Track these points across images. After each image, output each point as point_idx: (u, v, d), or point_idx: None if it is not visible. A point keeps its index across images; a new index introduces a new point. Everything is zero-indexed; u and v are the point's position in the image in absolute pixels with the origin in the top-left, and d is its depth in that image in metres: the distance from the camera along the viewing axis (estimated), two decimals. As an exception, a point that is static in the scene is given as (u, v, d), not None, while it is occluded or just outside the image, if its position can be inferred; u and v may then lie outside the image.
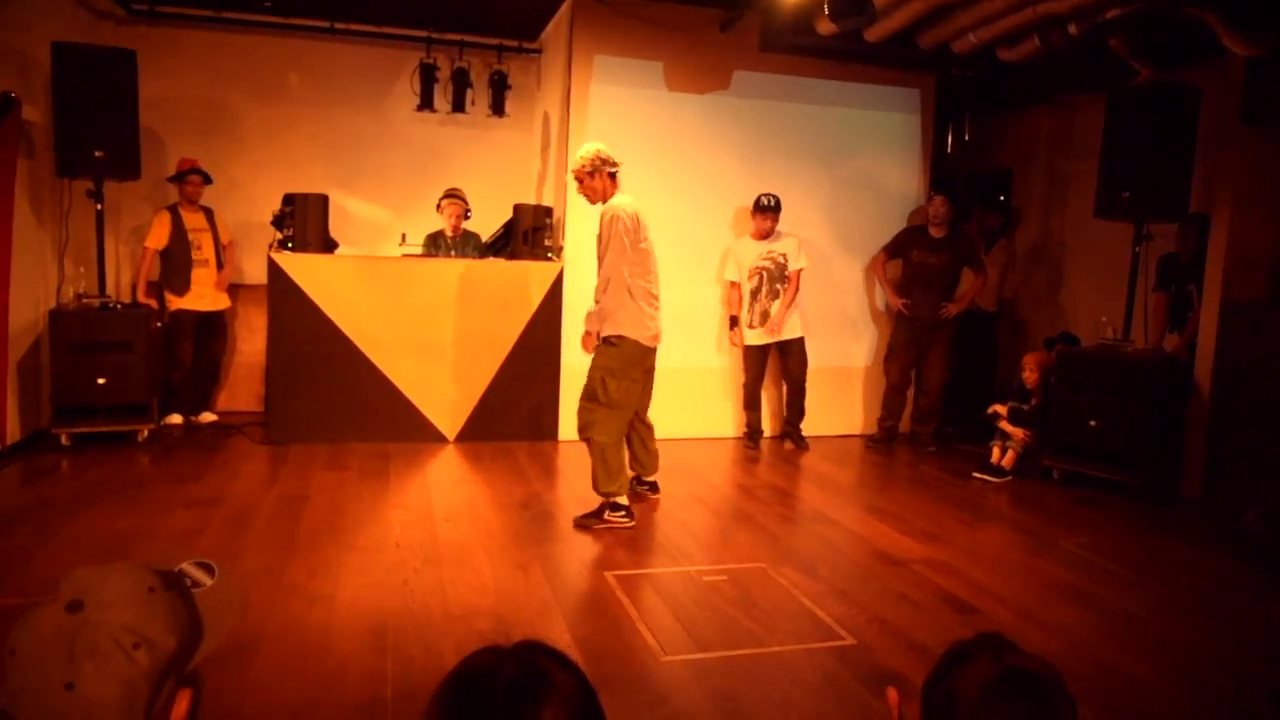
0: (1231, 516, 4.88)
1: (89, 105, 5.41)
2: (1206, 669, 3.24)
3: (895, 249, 6.69)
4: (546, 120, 6.96)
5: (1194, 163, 5.44)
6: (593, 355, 4.55)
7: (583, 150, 4.50)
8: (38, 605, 0.94)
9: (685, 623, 3.40)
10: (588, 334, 4.54)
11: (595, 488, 4.51)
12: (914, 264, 6.55)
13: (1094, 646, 3.33)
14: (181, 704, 0.98)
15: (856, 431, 7.01)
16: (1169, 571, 4.28)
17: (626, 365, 4.48)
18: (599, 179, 4.47)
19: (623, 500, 4.51)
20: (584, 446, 6.15)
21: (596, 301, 4.48)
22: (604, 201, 4.50)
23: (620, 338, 4.45)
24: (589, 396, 4.52)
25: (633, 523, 4.49)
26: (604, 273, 4.42)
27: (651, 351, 4.61)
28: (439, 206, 6.47)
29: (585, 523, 4.49)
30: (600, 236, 4.46)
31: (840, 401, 6.98)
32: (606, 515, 4.47)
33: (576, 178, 4.54)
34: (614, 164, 4.48)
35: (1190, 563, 4.44)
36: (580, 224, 6.32)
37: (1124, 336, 5.73)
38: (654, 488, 5.05)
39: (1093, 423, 5.56)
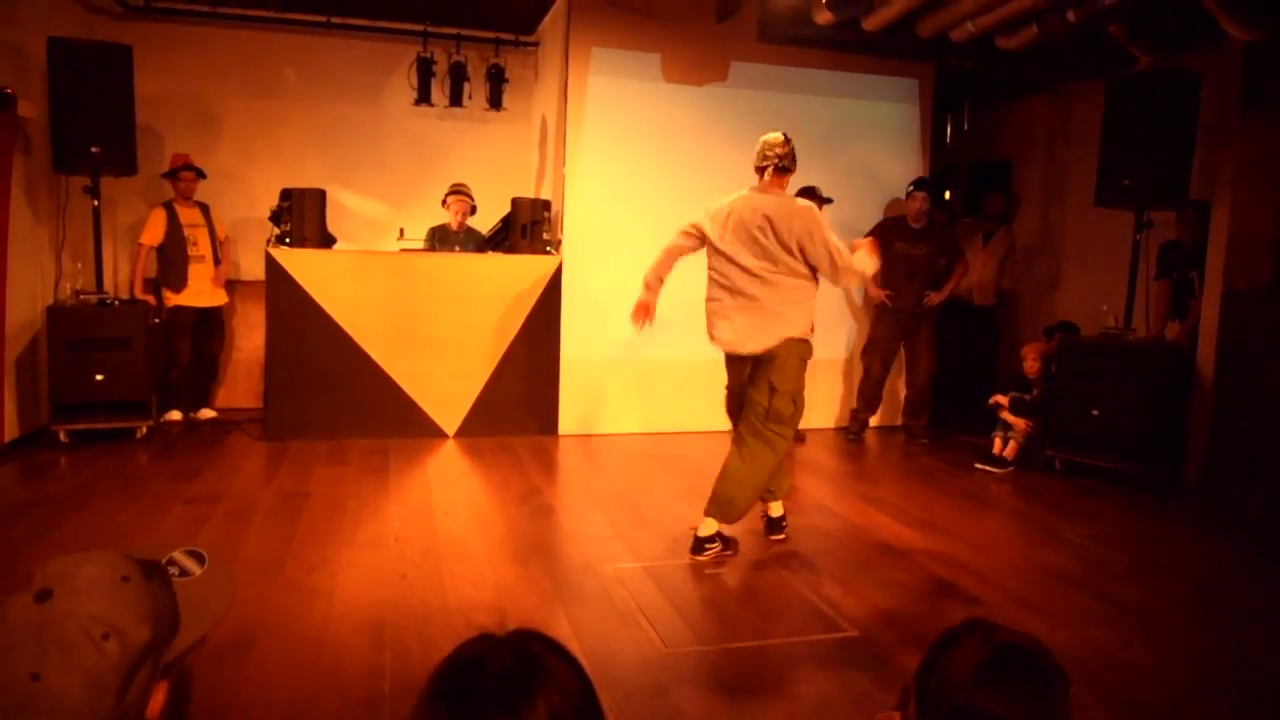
0: (1234, 504, 4.86)
1: (85, 101, 5.39)
2: (1209, 657, 3.22)
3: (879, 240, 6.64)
4: (544, 114, 6.93)
5: (1194, 149, 5.41)
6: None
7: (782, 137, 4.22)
8: (12, 595, 0.93)
9: (686, 616, 3.39)
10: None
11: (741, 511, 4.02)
12: (897, 255, 6.52)
13: (1097, 636, 3.31)
14: (158, 696, 0.96)
15: (833, 424, 6.96)
16: (1172, 560, 4.26)
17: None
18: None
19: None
20: (584, 442, 6.20)
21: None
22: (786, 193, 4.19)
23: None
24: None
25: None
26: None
27: (729, 359, 4.17)
28: (445, 202, 6.43)
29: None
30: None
31: (821, 394, 6.92)
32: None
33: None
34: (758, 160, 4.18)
35: (1193, 551, 4.42)
36: (579, 217, 6.30)
37: (1125, 325, 5.71)
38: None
39: (1094, 412, 5.54)
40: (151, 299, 6.05)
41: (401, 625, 3.17)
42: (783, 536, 4.26)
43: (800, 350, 3.97)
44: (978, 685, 1.07)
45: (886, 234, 6.62)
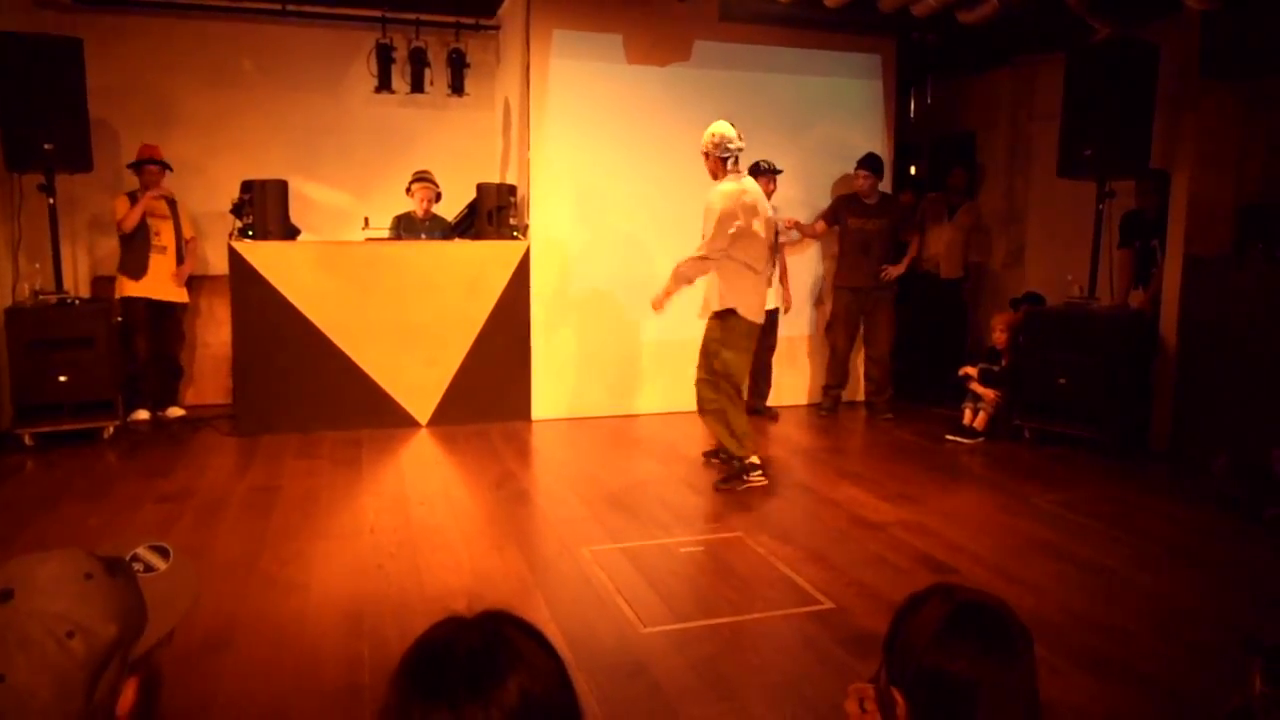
0: (1200, 467, 4.95)
1: (35, 97, 5.26)
2: (1181, 617, 3.29)
3: (833, 216, 6.67)
4: (507, 98, 6.88)
5: (1154, 118, 5.47)
6: (706, 329, 4.84)
7: (709, 129, 4.74)
8: None
9: (663, 594, 3.40)
10: (667, 293, 4.83)
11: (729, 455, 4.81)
12: (852, 231, 6.57)
13: (1071, 599, 3.37)
14: (128, 692, 0.95)
15: (804, 401, 6.99)
16: (1141, 523, 4.34)
17: (736, 337, 4.73)
18: (711, 161, 4.74)
19: (755, 460, 4.77)
20: (557, 426, 6.20)
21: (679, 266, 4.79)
22: (714, 181, 4.75)
23: (730, 312, 4.71)
24: (706, 369, 4.81)
25: (766, 480, 4.78)
26: (701, 249, 4.69)
27: (757, 325, 4.82)
28: (409, 190, 6.35)
29: (728, 486, 4.73)
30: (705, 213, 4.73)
31: (788, 371, 6.94)
32: (746, 477, 4.75)
33: (703, 153, 4.79)
34: (728, 150, 4.66)
35: (1161, 514, 4.51)
36: (545, 201, 6.27)
37: (1090, 294, 5.78)
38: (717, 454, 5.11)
39: (1061, 380, 5.61)
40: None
41: (379, 615, 3.16)
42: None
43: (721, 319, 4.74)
44: (939, 645, 1.08)
45: (840, 210, 6.65)
